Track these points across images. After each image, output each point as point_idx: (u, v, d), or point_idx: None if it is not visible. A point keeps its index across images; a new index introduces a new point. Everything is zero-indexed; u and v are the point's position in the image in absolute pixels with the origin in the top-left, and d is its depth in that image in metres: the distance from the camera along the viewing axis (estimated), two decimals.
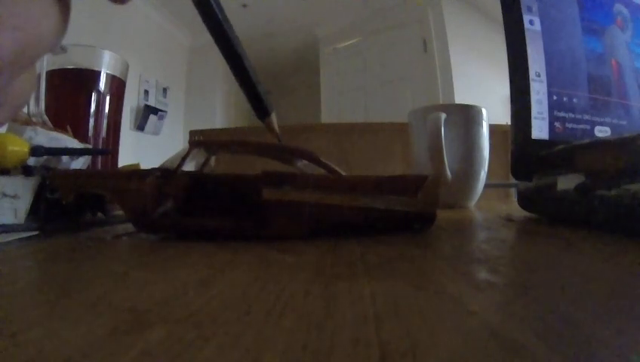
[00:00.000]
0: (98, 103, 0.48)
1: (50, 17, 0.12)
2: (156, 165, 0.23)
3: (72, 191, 0.22)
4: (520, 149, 0.31)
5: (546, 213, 0.27)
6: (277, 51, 3.15)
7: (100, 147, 0.48)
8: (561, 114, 0.33)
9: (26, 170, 0.27)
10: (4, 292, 0.11)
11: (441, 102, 2.20)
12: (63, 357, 0.07)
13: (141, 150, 2.32)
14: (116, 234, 0.23)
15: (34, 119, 0.35)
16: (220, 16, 0.20)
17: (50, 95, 0.42)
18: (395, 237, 0.20)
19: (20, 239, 0.21)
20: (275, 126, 0.24)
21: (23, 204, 0.24)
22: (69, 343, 0.07)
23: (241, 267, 0.14)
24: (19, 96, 0.13)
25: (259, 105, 0.24)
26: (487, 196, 0.50)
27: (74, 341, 0.07)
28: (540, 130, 0.32)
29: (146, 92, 2.50)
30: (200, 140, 0.24)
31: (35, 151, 0.28)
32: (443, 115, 0.38)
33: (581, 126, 0.33)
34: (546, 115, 0.32)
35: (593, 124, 0.34)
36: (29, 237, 0.22)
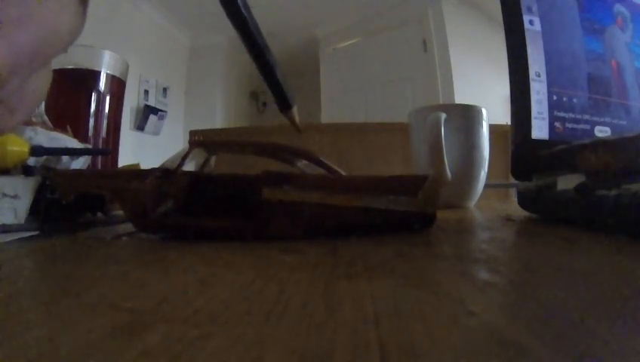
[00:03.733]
0: (98, 103, 0.48)
1: (67, 13, 0.12)
2: (156, 165, 0.23)
3: (72, 191, 0.22)
4: (520, 149, 0.31)
5: (546, 213, 0.27)
6: (277, 51, 3.13)
7: (100, 147, 0.48)
8: (561, 114, 0.33)
9: (26, 170, 0.27)
10: (5, 292, 0.11)
11: (441, 102, 2.20)
12: (63, 357, 0.07)
13: (141, 150, 2.32)
14: (116, 234, 0.23)
15: (34, 119, 0.35)
16: (244, 13, 0.21)
17: (50, 95, 0.42)
18: (395, 237, 0.20)
19: (19, 239, 0.21)
20: (297, 118, 0.25)
21: (23, 204, 0.24)
22: (69, 343, 0.07)
23: (242, 267, 0.14)
24: (35, 93, 0.13)
25: (282, 98, 0.25)
26: (487, 196, 0.50)
27: (74, 341, 0.07)
28: (539, 130, 0.32)
29: (146, 92, 2.50)
30: (200, 140, 0.24)
31: (35, 151, 0.28)
32: (443, 115, 0.38)
33: (581, 126, 0.33)
34: (546, 115, 0.32)
35: (593, 124, 0.34)
36: (29, 237, 0.22)
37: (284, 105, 0.25)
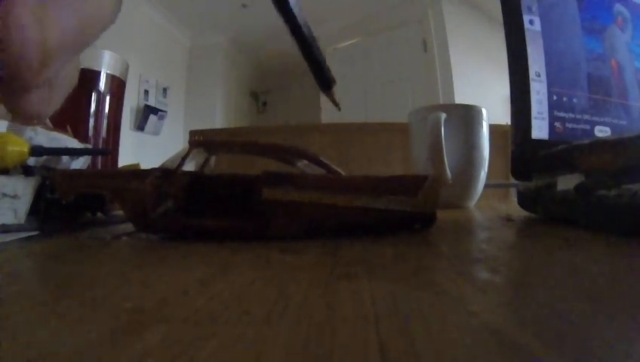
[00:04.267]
0: (98, 103, 0.48)
1: None
2: (156, 165, 0.23)
3: (72, 191, 0.22)
4: (520, 149, 0.31)
5: (546, 213, 0.27)
6: (277, 51, 3.15)
7: (100, 147, 0.48)
8: (561, 114, 0.33)
9: (26, 170, 0.27)
10: (5, 292, 0.11)
11: (441, 102, 2.20)
12: (63, 357, 0.07)
13: (141, 150, 2.31)
14: (116, 234, 0.23)
15: None
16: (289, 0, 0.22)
17: None
18: (395, 237, 0.20)
19: (19, 239, 0.21)
20: (337, 97, 0.27)
21: (23, 204, 0.24)
22: (69, 343, 0.07)
23: (241, 267, 0.14)
24: (67, 80, 0.13)
25: (323, 78, 0.26)
26: (487, 196, 0.50)
27: (74, 341, 0.07)
28: (539, 130, 0.32)
29: (146, 92, 2.50)
30: (200, 140, 0.24)
31: (35, 151, 0.28)
32: (443, 115, 0.38)
33: (581, 126, 0.33)
34: (546, 115, 0.32)
35: (593, 124, 0.34)
36: (29, 237, 0.22)
37: (326, 85, 0.26)
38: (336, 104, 0.28)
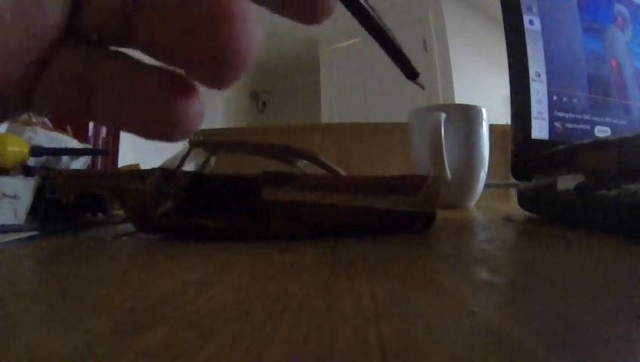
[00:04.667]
0: None
1: None
2: (156, 165, 0.23)
3: (72, 191, 0.22)
4: (520, 149, 0.31)
5: (546, 213, 0.27)
6: (277, 51, 3.15)
7: (100, 147, 0.48)
8: (561, 114, 0.33)
9: (26, 170, 0.27)
10: (5, 292, 0.11)
11: (441, 102, 2.20)
12: (63, 357, 0.07)
13: (141, 150, 2.31)
14: (116, 234, 0.23)
15: (34, 119, 0.35)
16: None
17: None
18: (395, 237, 0.20)
19: (19, 239, 0.21)
20: (422, 82, 0.30)
21: (23, 204, 0.24)
22: (69, 343, 0.07)
23: (241, 267, 0.14)
24: None
25: (408, 68, 0.28)
26: (487, 196, 0.50)
27: (74, 341, 0.07)
28: (539, 130, 0.32)
29: None
30: (200, 140, 0.24)
31: (35, 151, 0.28)
32: (443, 115, 0.38)
33: (581, 126, 0.33)
34: (546, 114, 0.32)
35: (593, 124, 0.34)
36: (29, 237, 0.22)
37: (412, 73, 0.29)
38: (422, 87, 0.30)
